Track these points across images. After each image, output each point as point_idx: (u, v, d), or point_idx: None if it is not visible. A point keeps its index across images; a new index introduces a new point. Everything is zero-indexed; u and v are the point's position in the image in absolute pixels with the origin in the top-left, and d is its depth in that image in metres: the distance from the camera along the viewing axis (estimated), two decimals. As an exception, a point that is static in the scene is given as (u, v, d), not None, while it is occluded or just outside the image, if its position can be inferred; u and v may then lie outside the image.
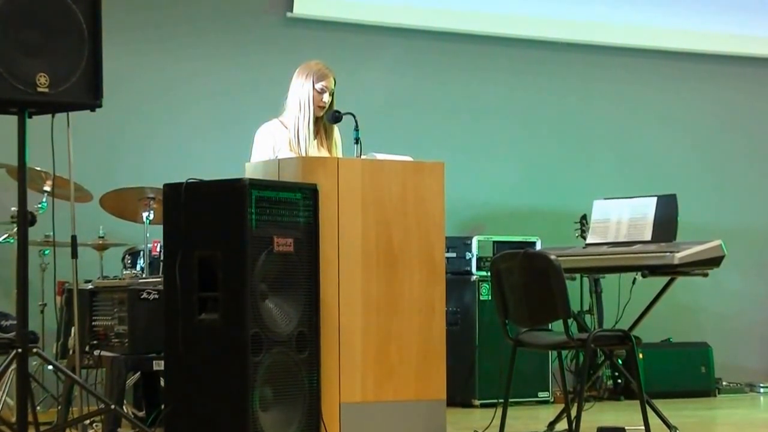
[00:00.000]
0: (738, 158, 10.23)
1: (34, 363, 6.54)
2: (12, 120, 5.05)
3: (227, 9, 8.75)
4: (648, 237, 6.38)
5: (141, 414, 6.64)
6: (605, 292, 8.87)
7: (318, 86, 6.26)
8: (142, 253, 7.02)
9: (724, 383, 9.53)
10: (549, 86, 9.65)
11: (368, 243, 5.76)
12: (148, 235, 6.97)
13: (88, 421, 5.95)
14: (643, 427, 6.12)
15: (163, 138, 8.41)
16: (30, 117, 5.04)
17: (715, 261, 6.17)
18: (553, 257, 5.87)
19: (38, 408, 5.43)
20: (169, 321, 5.42)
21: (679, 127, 10.06)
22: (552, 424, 6.48)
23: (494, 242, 8.62)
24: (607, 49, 9.80)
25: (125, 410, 6.19)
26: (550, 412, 7.29)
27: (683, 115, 10.08)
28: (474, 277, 8.54)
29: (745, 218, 10.07)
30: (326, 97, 6.28)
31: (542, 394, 8.63)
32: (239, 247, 5.27)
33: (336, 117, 6.27)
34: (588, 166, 9.64)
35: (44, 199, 6.89)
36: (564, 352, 8.05)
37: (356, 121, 6.11)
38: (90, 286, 6.26)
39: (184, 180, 5.44)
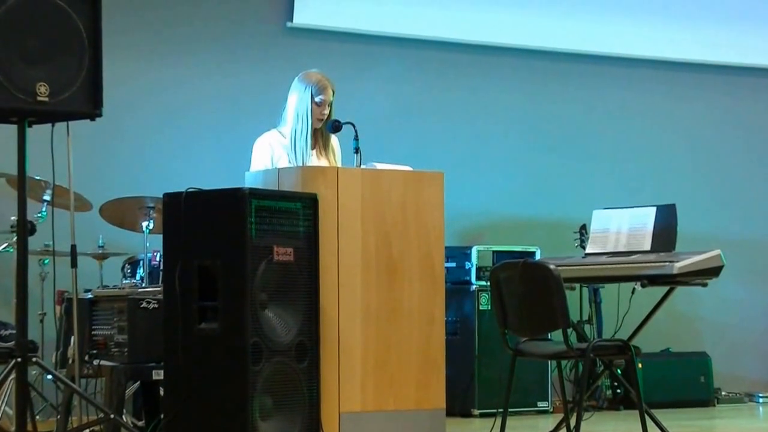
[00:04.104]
0: (737, 168, 10.23)
1: (34, 372, 6.53)
2: (12, 129, 5.05)
3: (228, 19, 8.75)
4: (647, 247, 6.37)
5: (140, 423, 6.64)
6: (604, 301, 8.87)
7: (317, 99, 6.26)
8: (141, 262, 7.02)
9: (723, 393, 9.53)
10: (549, 96, 9.65)
11: (368, 252, 5.76)
12: (147, 244, 6.97)
13: (87, 431, 5.94)
14: (642, 437, 6.12)
15: (163, 148, 8.41)
16: (30, 126, 5.04)
17: (714, 271, 6.16)
18: (552, 267, 5.87)
19: (37, 417, 5.42)
20: (168, 330, 5.42)
21: (678, 137, 10.06)
22: (551, 434, 6.47)
23: (494, 252, 8.62)
24: (607, 59, 9.81)
25: (124, 420, 6.18)
26: (549, 422, 7.28)
27: (683, 125, 10.09)
28: (473, 287, 8.54)
29: (744, 228, 10.07)
30: (325, 110, 6.28)
31: (541, 404, 8.62)
32: (239, 256, 5.28)
33: (335, 126, 6.27)
34: (587, 176, 9.64)
35: (44, 209, 6.89)
36: (563, 362, 8.04)
37: (356, 131, 6.12)
38: (90, 296, 6.26)
39: (183, 189, 5.45)
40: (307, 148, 6.25)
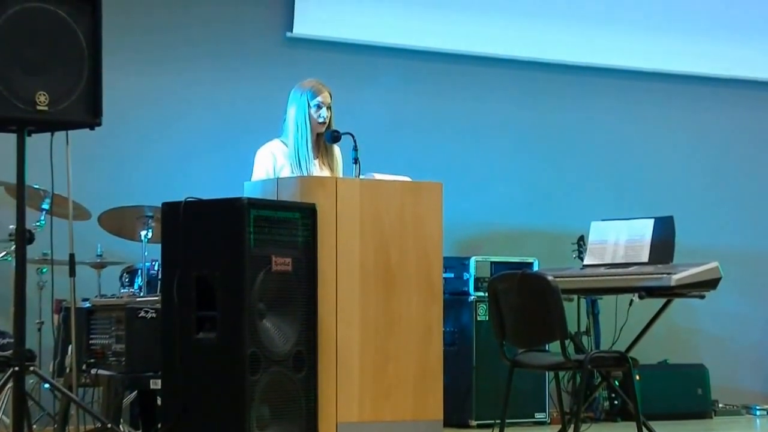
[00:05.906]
0: (735, 180, 10.24)
1: (31, 381, 6.52)
2: (11, 138, 5.05)
3: (227, 29, 8.75)
4: (645, 258, 6.36)
5: (137, 433, 6.64)
6: (602, 313, 8.86)
7: (313, 103, 6.26)
8: (140, 271, 7.02)
9: (720, 405, 9.52)
10: (547, 107, 9.65)
11: (366, 263, 5.77)
12: (146, 253, 6.96)
13: (84, 440, 5.94)
14: (639, 449, 6.11)
15: (162, 157, 8.41)
16: (29, 135, 5.05)
17: (711, 283, 6.16)
18: (550, 278, 5.87)
19: (34, 426, 5.42)
20: (166, 340, 5.43)
21: (676, 149, 10.06)
22: (549, 445, 6.47)
23: (492, 263, 8.62)
24: (605, 71, 9.81)
25: (122, 429, 6.18)
26: (546, 433, 7.28)
27: (681, 137, 10.09)
28: (471, 298, 8.53)
29: (742, 240, 10.07)
30: (324, 113, 6.28)
31: (539, 415, 8.61)
32: (237, 266, 5.28)
33: (334, 137, 6.28)
34: (586, 187, 9.64)
35: (42, 217, 6.88)
36: (561, 373, 8.02)
37: (355, 142, 6.12)
38: (88, 305, 6.26)
39: (182, 199, 5.45)
40: (309, 156, 6.25)
